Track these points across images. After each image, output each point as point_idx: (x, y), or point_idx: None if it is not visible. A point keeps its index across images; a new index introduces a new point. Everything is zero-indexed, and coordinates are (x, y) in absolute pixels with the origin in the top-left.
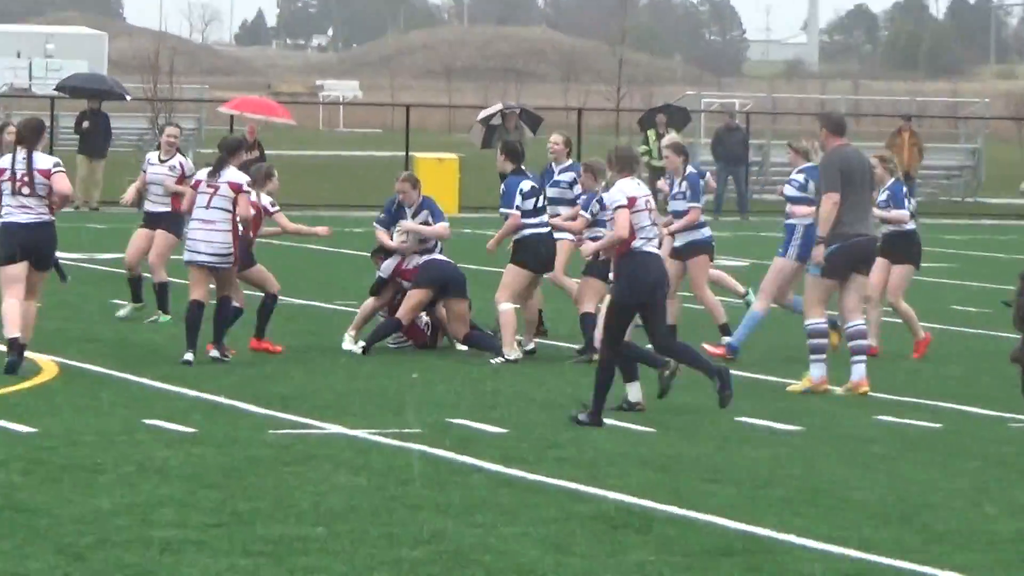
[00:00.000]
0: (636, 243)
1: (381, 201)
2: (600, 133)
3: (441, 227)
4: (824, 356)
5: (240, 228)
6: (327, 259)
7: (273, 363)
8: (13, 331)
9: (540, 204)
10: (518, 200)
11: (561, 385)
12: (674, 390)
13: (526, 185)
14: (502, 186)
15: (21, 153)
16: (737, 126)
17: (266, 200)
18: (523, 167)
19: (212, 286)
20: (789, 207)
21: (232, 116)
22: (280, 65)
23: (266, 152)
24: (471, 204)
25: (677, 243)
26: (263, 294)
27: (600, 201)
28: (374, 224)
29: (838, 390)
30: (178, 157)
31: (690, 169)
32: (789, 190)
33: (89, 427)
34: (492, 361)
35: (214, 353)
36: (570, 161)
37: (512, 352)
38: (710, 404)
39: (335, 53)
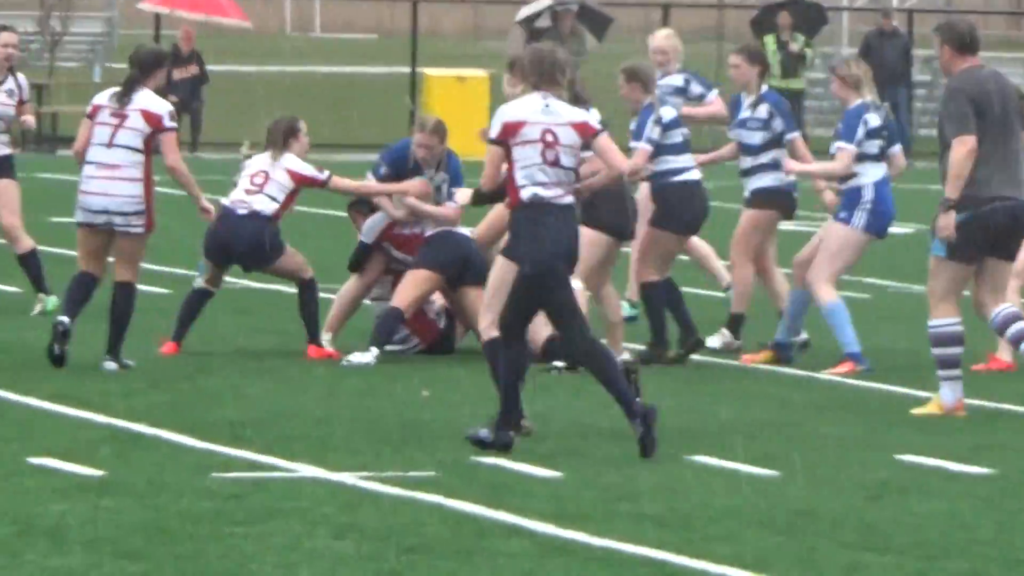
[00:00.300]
0: (525, 193)
1: (374, 141)
2: (696, 39)
3: (450, 209)
4: (958, 372)
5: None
6: (291, 226)
7: (217, 375)
8: None
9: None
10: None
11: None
12: (800, 410)
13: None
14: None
15: None
16: (895, 30)
17: (304, 166)
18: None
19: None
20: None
21: (158, 15)
22: None
23: (208, 68)
24: None
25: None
26: (297, 289)
27: (660, 120)
28: (368, 176)
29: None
30: (15, 77)
31: (765, 88)
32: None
33: None
34: (553, 367)
35: (110, 365)
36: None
37: None
38: (856, 433)
39: None
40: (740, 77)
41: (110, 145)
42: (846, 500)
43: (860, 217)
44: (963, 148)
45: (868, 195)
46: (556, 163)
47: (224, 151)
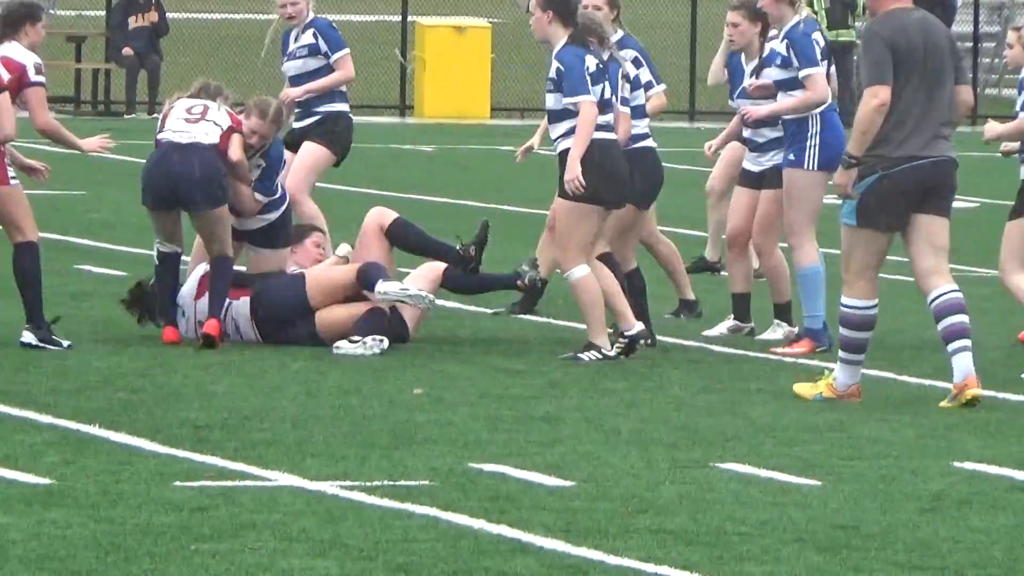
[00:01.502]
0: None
1: (359, 101)
2: None
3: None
4: (861, 357)
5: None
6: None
7: (178, 371)
8: None
9: (607, 94)
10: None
11: (661, 404)
12: (843, 409)
13: (591, 63)
14: (556, 64)
15: None
16: None
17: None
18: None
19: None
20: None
21: None
22: None
23: (168, 15)
24: (506, 104)
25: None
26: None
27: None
28: None
29: (943, 403)
30: None
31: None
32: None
33: None
34: (581, 357)
35: (28, 338)
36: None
37: (605, 342)
38: (907, 437)
39: None
40: (740, 38)
41: None
42: (896, 513)
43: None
44: (873, 101)
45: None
46: None
47: None
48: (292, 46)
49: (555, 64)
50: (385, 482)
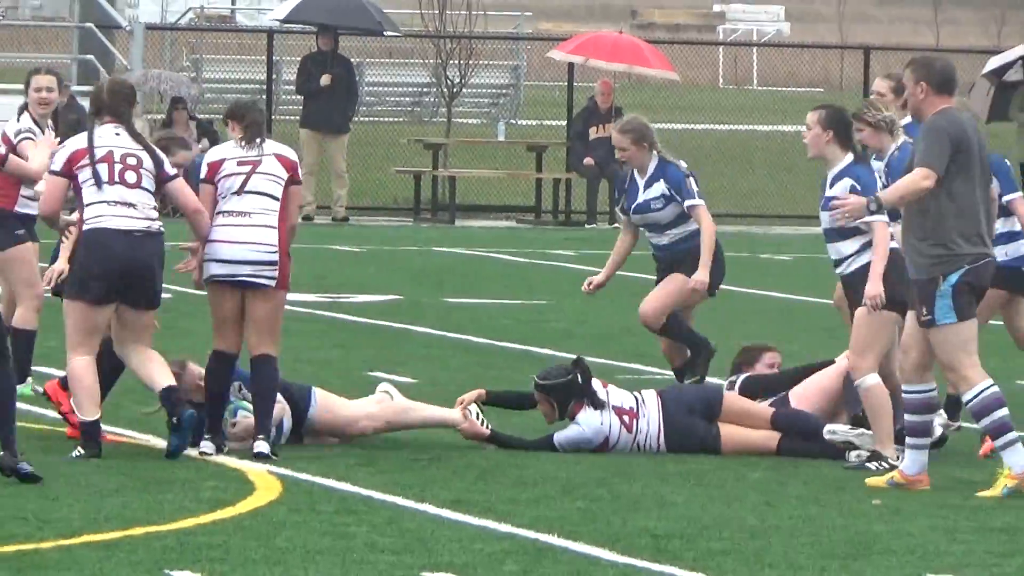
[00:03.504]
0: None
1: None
2: None
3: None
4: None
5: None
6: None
7: (640, 478)
8: (91, 409)
9: None
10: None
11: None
12: None
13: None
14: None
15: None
16: None
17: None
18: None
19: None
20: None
21: (571, 65)
22: None
23: None
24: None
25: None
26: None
27: None
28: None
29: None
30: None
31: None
32: None
33: None
34: (868, 467)
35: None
36: None
37: (892, 452)
38: None
39: None
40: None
41: (241, 193)
42: None
43: None
44: (925, 182)
45: None
46: None
47: None
48: None
49: (848, 182)
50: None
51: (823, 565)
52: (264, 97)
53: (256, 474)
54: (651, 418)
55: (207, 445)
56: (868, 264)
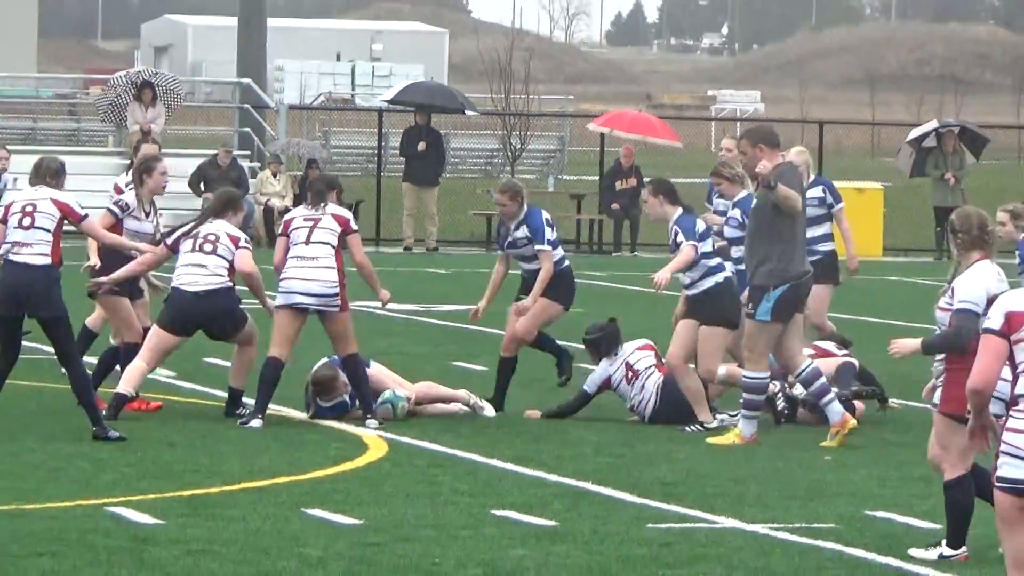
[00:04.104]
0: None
1: None
2: None
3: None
4: (759, 413)
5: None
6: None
7: (654, 440)
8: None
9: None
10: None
11: None
12: None
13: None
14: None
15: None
16: None
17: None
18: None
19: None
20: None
21: (602, 134)
22: (662, 71)
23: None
24: (897, 245)
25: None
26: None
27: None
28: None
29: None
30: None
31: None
32: (730, 231)
33: (424, 519)
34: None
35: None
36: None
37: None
38: None
39: (730, 57)
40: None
41: (307, 242)
42: None
43: None
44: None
45: None
46: None
47: (657, 252)
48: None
49: (676, 229)
50: (802, 524)
51: (787, 505)
52: (376, 159)
53: (369, 437)
54: (648, 389)
55: (371, 421)
56: (708, 288)
